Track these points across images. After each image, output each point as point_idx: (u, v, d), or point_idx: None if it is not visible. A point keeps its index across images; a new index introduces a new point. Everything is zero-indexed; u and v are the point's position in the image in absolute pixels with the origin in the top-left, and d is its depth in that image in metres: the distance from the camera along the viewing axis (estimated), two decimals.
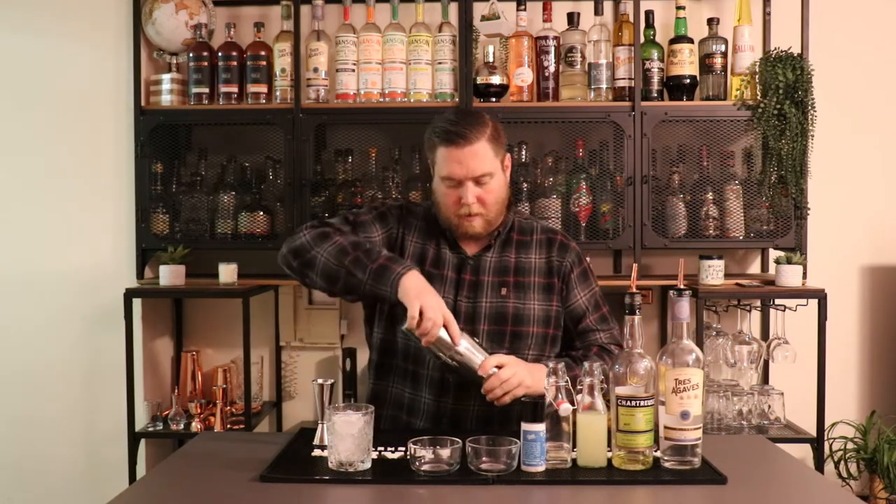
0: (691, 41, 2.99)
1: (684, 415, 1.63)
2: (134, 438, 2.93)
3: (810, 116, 2.91)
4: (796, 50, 2.97)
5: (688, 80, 2.99)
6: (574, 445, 1.66)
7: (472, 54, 2.99)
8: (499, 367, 1.85)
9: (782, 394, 2.95)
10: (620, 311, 1.72)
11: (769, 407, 2.93)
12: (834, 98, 3.07)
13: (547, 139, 3.12)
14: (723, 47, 3.00)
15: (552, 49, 2.98)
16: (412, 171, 3.04)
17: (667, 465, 1.65)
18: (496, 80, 2.96)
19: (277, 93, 3.04)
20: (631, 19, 2.97)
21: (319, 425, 1.81)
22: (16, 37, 3.14)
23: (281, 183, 3.04)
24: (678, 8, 3.01)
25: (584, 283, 2.10)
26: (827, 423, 2.93)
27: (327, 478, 1.61)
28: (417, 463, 1.61)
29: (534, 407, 1.62)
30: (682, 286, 1.68)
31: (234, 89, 3.03)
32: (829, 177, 3.13)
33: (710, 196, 2.97)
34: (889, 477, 2.99)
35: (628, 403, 1.62)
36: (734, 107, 2.96)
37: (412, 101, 3.00)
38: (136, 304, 3.01)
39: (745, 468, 1.72)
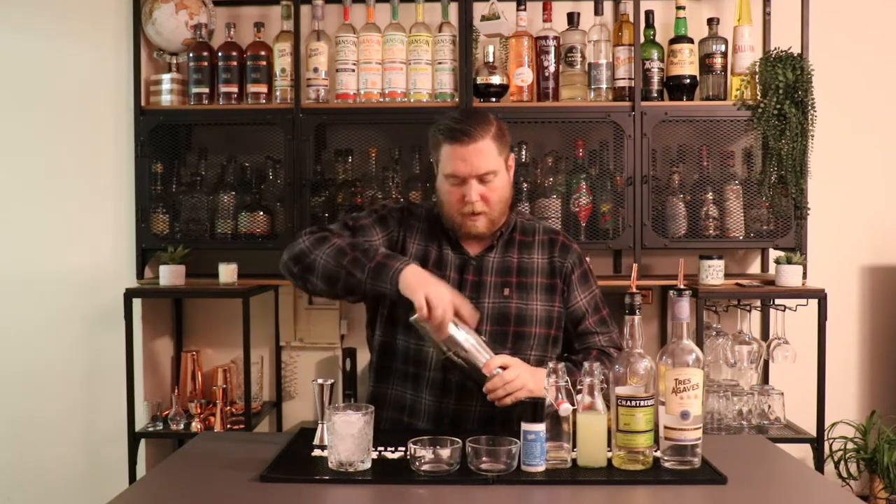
0: (691, 41, 2.99)
1: (684, 415, 1.63)
2: (134, 438, 2.93)
3: (810, 116, 2.91)
4: (796, 50, 2.97)
5: (688, 80, 2.99)
6: (574, 445, 1.66)
7: (472, 54, 2.99)
8: (503, 368, 1.85)
9: (782, 394, 2.95)
10: (620, 311, 1.71)
11: (769, 407, 2.93)
12: (834, 98, 3.07)
13: (547, 139, 3.13)
14: (723, 47, 3.00)
15: (552, 49, 2.98)
16: (412, 171, 3.04)
17: (667, 465, 1.65)
18: (496, 80, 2.96)
19: (277, 93, 3.04)
20: (631, 19, 2.97)
21: (319, 425, 1.81)
22: (16, 37, 3.14)
23: (281, 183, 3.04)
24: (678, 8, 3.01)
25: (584, 284, 2.11)
26: (827, 423, 2.93)
27: (327, 478, 1.61)
28: (417, 463, 1.61)
29: (534, 407, 1.62)
30: (682, 286, 1.68)
31: (234, 89, 3.03)
32: (829, 177, 3.13)
33: (710, 196, 2.97)
34: (889, 477, 2.99)
35: (628, 403, 1.62)
36: (734, 107, 2.96)
37: (412, 101, 3.00)
38: (136, 304, 3.01)
39: (745, 468, 1.71)
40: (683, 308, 1.67)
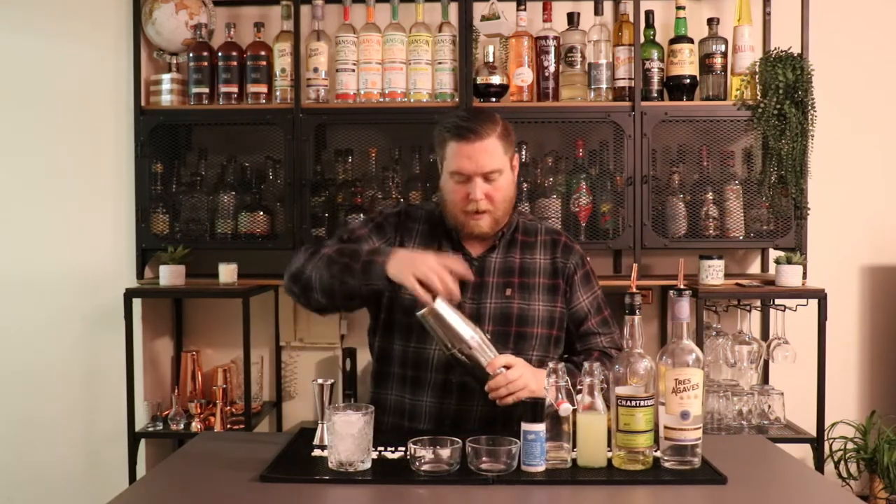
0: (691, 41, 2.99)
1: (684, 415, 1.63)
2: (134, 438, 2.93)
3: (810, 116, 2.91)
4: (796, 50, 2.97)
5: (688, 80, 2.99)
6: (574, 445, 1.66)
7: (472, 54, 2.99)
8: (507, 368, 1.85)
9: (782, 394, 2.95)
10: (620, 311, 1.72)
11: (769, 407, 2.93)
12: (834, 98, 3.07)
13: (547, 139, 3.12)
14: (723, 47, 3.00)
15: (552, 49, 2.98)
16: (412, 171, 3.04)
17: (667, 465, 1.65)
18: (496, 80, 2.96)
19: (277, 93, 3.04)
20: (631, 19, 2.97)
21: (319, 425, 1.81)
22: (16, 37, 3.14)
23: (281, 183, 3.04)
24: (678, 8, 3.01)
25: (586, 285, 2.11)
26: (827, 423, 2.93)
27: (327, 478, 1.61)
28: (417, 463, 1.61)
29: (534, 407, 1.62)
30: (682, 286, 1.68)
31: (234, 89, 3.03)
32: (829, 177, 3.13)
33: (710, 196, 2.97)
34: (889, 477, 2.99)
35: (628, 403, 1.62)
36: (734, 107, 2.96)
37: (412, 101, 3.00)
38: (136, 304, 3.01)
39: (745, 468, 1.71)
40: (683, 308, 1.67)
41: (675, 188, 3.00)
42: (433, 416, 2.00)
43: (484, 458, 1.61)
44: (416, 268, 1.82)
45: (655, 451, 1.66)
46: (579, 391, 1.67)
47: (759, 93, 2.95)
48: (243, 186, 3.08)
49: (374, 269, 1.86)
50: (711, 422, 2.84)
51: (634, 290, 1.69)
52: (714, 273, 2.90)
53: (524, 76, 2.98)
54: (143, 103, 3.06)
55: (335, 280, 1.90)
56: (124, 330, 2.91)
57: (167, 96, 3.06)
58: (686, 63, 2.98)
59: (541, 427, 1.61)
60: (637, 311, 1.67)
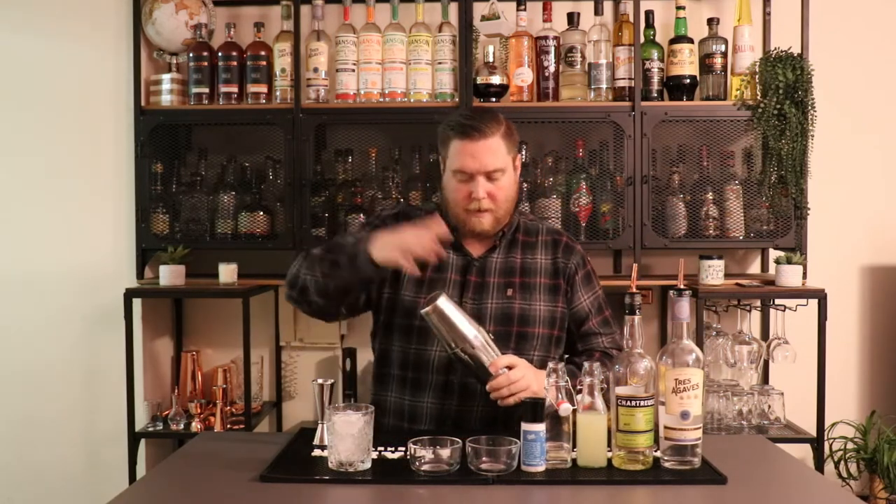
0: (691, 41, 2.99)
1: (684, 415, 1.63)
2: (134, 438, 2.93)
3: (810, 116, 2.91)
4: (796, 50, 2.97)
5: (688, 80, 2.99)
6: (574, 445, 1.66)
7: (472, 54, 2.99)
8: (509, 368, 1.85)
9: (782, 394, 2.95)
10: (620, 311, 1.72)
11: (769, 407, 2.93)
12: (834, 98, 3.07)
13: (547, 139, 3.12)
14: (723, 47, 3.00)
15: (552, 49, 2.98)
16: (412, 171, 3.04)
17: (667, 465, 1.65)
18: (496, 80, 2.96)
19: (277, 93, 3.04)
20: (631, 19, 2.97)
21: (319, 425, 1.81)
22: (16, 37, 3.14)
23: (281, 183, 3.04)
24: (678, 8, 3.01)
25: (587, 285, 2.11)
26: (827, 423, 2.93)
27: (327, 478, 1.61)
28: (417, 463, 1.61)
29: (534, 407, 1.62)
30: (682, 286, 1.68)
31: (234, 89, 3.03)
32: (829, 177, 3.13)
33: (710, 196, 2.97)
34: (889, 477, 2.99)
35: (628, 403, 1.62)
36: (734, 107, 2.96)
37: (412, 101, 3.00)
38: (136, 304, 3.01)
39: (745, 468, 1.71)
40: (683, 308, 1.67)
41: (675, 188, 3.00)
42: (434, 417, 2.00)
43: (484, 458, 1.61)
44: (398, 244, 1.83)
45: (655, 451, 1.66)
46: (579, 391, 1.67)
47: (759, 93, 2.95)
48: (243, 186, 3.08)
49: (360, 259, 1.86)
50: (711, 422, 2.84)
51: (634, 290, 1.69)
52: (714, 273, 2.90)
53: (524, 76, 2.98)
54: (143, 103, 3.06)
55: (327, 278, 1.90)
56: (124, 330, 2.91)
57: (167, 96, 3.06)
58: (686, 63, 2.98)
59: (541, 427, 1.61)
60: (637, 311, 1.67)
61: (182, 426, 2.97)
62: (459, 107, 2.94)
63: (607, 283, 2.35)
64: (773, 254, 3.08)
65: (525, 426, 1.61)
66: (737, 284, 2.94)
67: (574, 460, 1.66)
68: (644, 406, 1.62)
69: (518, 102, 2.99)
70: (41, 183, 3.15)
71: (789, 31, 3.04)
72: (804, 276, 2.92)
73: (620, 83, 2.99)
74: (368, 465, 1.64)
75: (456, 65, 3.00)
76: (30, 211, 3.15)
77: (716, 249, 2.99)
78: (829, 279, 3.00)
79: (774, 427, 2.89)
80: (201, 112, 3.04)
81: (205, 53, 3.03)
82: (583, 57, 3.00)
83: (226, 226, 3.05)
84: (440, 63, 3.00)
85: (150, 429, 3.01)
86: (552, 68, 2.99)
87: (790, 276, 2.88)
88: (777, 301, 2.96)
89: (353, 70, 3.01)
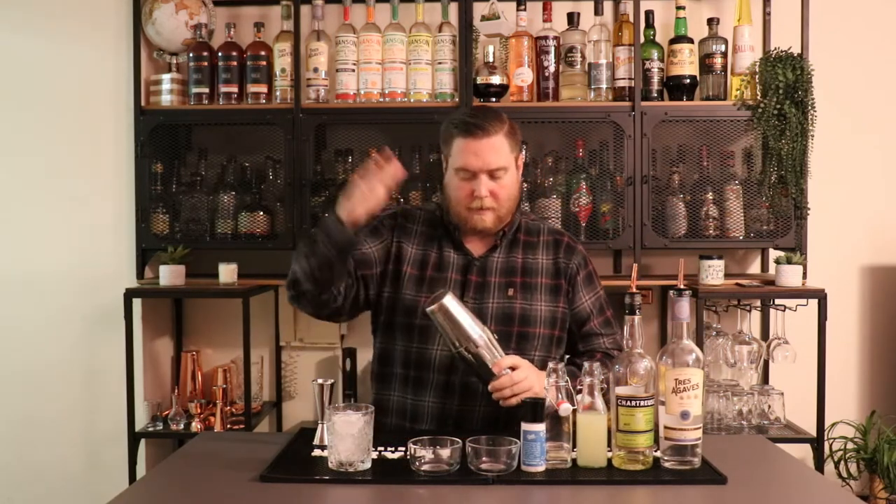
0: (691, 41, 2.99)
1: (684, 415, 1.63)
2: (134, 438, 2.93)
3: (810, 116, 2.91)
4: (796, 50, 2.97)
5: (688, 80, 2.99)
6: (574, 445, 1.66)
7: (472, 54, 2.99)
8: (512, 369, 1.85)
9: (782, 394, 2.95)
10: (620, 311, 1.72)
11: (769, 407, 2.93)
12: (834, 98, 3.07)
13: (547, 139, 3.12)
14: (723, 47, 3.00)
15: (552, 49, 2.98)
16: (412, 171, 3.03)
17: (667, 465, 1.65)
18: (496, 80, 2.96)
19: (277, 93, 3.04)
20: (631, 19, 2.97)
21: (319, 425, 1.81)
22: (16, 37, 3.14)
23: (281, 183, 3.04)
24: (678, 8, 3.01)
25: (589, 286, 2.11)
26: (827, 423, 2.93)
27: (327, 478, 1.62)
28: (417, 463, 1.61)
29: (534, 407, 1.62)
30: (682, 286, 1.68)
31: (234, 89, 3.03)
32: (829, 177, 3.13)
33: (710, 196, 2.97)
34: (889, 477, 2.99)
35: (628, 403, 1.62)
36: (734, 107, 2.96)
37: (412, 101, 3.00)
38: (136, 304, 3.01)
39: (745, 468, 1.72)
40: (683, 308, 1.67)
41: (675, 188, 3.00)
42: (435, 416, 2.00)
43: (484, 458, 1.61)
44: (356, 193, 1.84)
45: (655, 451, 1.66)
46: (579, 391, 1.67)
47: (759, 93, 2.95)
48: (243, 186, 3.08)
49: (330, 225, 1.86)
50: (711, 422, 2.84)
51: (634, 290, 1.69)
52: (714, 273, 2.90)
53: (524, 76, 2.98)
54: (143, 103, 3.06)
55: (308, 259, 1.89)
56: (124, 330, 2.91)
57: (167, 96, 3.06)
58: (686, 63, 2.98)
59: (541, 427, 1.61)
60: (637, 311, 1.67)
61: (182, 426, 2.97)
62: (459, 107, 2.94)
63: (607, 283, 2.35)
64: (773, 254, 3.08)
65: (525, 426, 1.61)
66: (737, 284, 2.94)
67: (574, 460, 1.66)
68: (644, 406, 1.62)
69: (518, 102, 2.99)
70: (41, 183, 3.15)
71: (789, 31, 3.04)
72: (804, 276, 2.92)
73: (620, 83, 2.99)
74: (368, 465, 1.64)
75: (456, 65, 3.00)
76: (30, 211, 3.15)
77: (716, 249, 2.99)
78: (829, 279, 3.00)
79: (774, 427, 2.89)
80: (201, 112, 3.04)
81: (205, 53, 3.03)
82: (583, 57, 3.00)
83: (226, 226, 3.05)
84: (440, 63, 3.00)
85: (150, 429, 3.01)
86: (552, 68, 2.99)
87: (790, 276, 2.88)
88: (777, 301, 2.96)
89: (353, 70, 3.01)
